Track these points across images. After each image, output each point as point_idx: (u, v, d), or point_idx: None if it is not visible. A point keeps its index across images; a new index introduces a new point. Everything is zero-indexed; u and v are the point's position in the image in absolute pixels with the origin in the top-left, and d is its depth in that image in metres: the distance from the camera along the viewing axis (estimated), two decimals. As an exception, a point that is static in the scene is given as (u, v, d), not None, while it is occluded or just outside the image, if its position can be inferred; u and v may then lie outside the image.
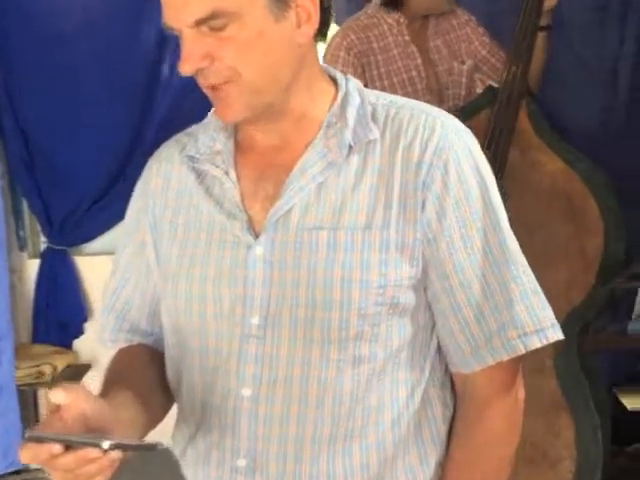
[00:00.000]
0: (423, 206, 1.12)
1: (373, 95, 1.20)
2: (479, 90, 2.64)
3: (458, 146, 1.13)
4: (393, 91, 2.54)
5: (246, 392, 1.13)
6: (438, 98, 2.58)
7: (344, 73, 1.22)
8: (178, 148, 1.24)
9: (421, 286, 1.15)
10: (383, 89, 2.53)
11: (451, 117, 1.18)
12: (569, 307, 2.30)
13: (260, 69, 1.08)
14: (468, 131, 1.18)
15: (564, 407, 2.33)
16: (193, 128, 1.27)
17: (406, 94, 2.54)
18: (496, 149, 2.37)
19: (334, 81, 1.19)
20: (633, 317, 2.28)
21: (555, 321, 1.16)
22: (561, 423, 2.33)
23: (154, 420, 1.18)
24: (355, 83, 1.20)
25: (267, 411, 1.12)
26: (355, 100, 1.16)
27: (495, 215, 1.15)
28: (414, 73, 2.57)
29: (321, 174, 1.13)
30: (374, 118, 1.16)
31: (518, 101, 2.37)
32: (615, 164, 2.47)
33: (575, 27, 2.85)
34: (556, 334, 1.15)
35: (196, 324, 1.16)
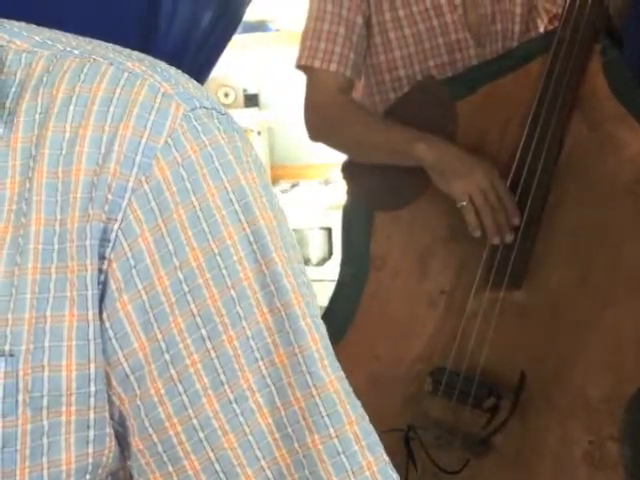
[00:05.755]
0: (102, 294, 0.54)
1: (4, 29, 0.59)
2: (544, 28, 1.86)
3: (193, 148, 0.55)
4: (410, 25, 1.79)
5: None
6: (477, 37, 1.81)
7: None
8: None
9: None
10: (394, 24, 1.79)
11: (192, 84, 0.58)
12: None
13: None
14: (227, 118, 0.58)
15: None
16: None
17: (429, 30, 1.79)
18: (548, 119, 1.61)
19: None
20: None
21: None
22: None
23: None
24: None
25: None
26: None
27: (285, 297, 0.56)
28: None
29: None
30: None
31: (588, 45, 1.60)
32: None
33: None
34: None
35: None
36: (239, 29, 2.61)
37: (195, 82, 0.58)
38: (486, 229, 1.61)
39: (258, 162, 0.58)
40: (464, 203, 1.60)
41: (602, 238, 1.60)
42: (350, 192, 1.85)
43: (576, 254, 1.61)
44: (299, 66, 1.81)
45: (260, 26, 4.34)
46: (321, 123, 1.78)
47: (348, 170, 1.83)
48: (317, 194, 3.88)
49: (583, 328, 1.61)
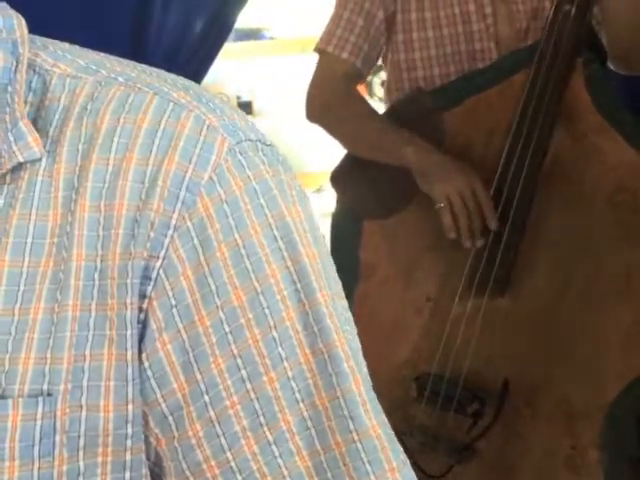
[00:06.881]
0: (142, 333, 0.52)
1: (48, 52, 0.57)
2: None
3: (238, 184, 0.53)
4: (434, 27, 1.79)
5: None
6: (504, 49, 1.78)
7: None
8: None
9: None
10: (419, 24, 1.79)
11: (237, 114, 0.56)
12: (629, 374, 1.60)
13: None
14: (272, 149, 0.56)
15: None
16: None
17: (452, 36, 1.79)
18: (531, 130, 1.64)
19: None
20: None
21: None
22: None
23: None
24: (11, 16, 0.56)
25: None
26: None
27: (328, 339, 0.54)
28: (471, 7, 1.79)
29: None
30: (40, 109, 0.55)
31: (570, 57, 1.62)
32: None
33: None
34: None
35: None
36: (233, 37, 2.62)
37: (240, 111, 0.56)
38: (460, 231, 1.64)
39: (302, 193, 0.57)
40: (441, 205, 1.64)
41: (584, 247, 1.63)
42: (339, 201, 1.87)
43: (559, 262, 1.64)
44: (315, 50, 1.83)
45: (254, 34, 4.37)
46: (321, 107, 1.80)
47: (337, 179, 1.86)
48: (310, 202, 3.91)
49: (565, 335, 1.63)
